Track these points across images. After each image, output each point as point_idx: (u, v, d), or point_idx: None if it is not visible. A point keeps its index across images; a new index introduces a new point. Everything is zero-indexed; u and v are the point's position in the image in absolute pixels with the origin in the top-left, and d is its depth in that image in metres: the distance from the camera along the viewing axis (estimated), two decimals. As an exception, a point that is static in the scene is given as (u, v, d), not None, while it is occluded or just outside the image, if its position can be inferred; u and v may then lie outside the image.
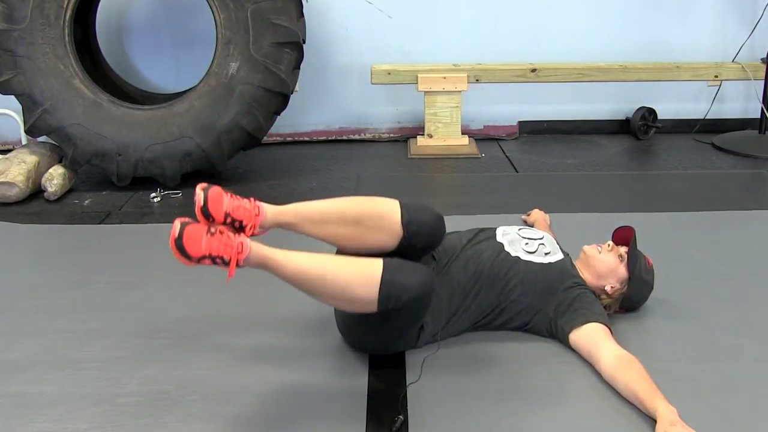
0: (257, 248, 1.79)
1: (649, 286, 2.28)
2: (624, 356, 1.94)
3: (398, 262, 1.84)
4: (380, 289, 1.76)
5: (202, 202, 1.80)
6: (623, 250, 2.25)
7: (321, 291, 1.80)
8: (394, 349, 2.07)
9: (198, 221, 1.79)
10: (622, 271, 2.22)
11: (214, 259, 1.74)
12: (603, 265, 2.22)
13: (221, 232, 1.75)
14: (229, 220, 1.82)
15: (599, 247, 2.26)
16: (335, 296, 1.81)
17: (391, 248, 1.90)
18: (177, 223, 1.74)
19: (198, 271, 2.65)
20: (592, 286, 2.22)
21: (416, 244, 1.94)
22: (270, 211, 1.91)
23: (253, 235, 1.87)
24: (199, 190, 1.82)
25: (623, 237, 2.31)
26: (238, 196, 1.89)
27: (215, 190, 1.83)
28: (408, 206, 1.92)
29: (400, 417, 1.81)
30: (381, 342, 2.03)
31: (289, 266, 1.79)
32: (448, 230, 2.28)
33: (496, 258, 2.15)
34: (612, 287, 2.21)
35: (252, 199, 1.91)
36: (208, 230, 1.74)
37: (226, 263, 1.75)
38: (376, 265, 1.79)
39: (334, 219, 1.90)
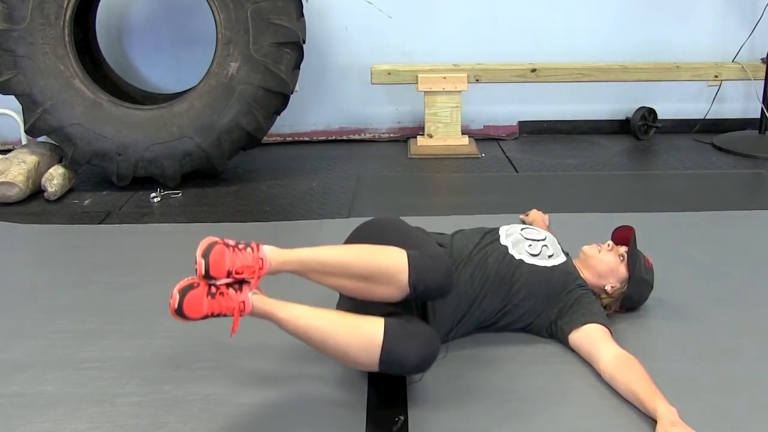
0: (259, 304, 1.78)
1: (649, 286, 2.28)
2: (624, 356, 1.94)
3: (400, 327, 1.78)
4: (381, 357, 1.75)
5: (204, 271, 1.73)
6: (623, 249, 2.25)
7: (322, 350, 1.80)
8: None
9: (190, 283, 1.75)
10: (622, 270, 2.22)
11: (216, 316, 1.75)
12: (603, 264, 2.22)
13: (222, 293, 1.74)
14: (231, 277, 1.78)
15: (599, 247, 2.26)
16: (337, 356, 1.80)
17: (397, 300, 1.85)
18: (176, 294, 1.71)
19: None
20: (591, 285, 2.22)
21: (423, 298, 1.92)
22: (274, 260, 1.82)
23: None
24: (200, 257, 1.74)
25: (623, 237, 2.30)
26: (242, 245, 1.80)
27: (216, 251, 1.75)
28: (416, 263, 1.80)
29: (401, 417, 1.81)
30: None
31: (290, 325, 1.79)
32: (450, 230, 2.30)
33: (501, 262, 2.14)
34: (612, 287, 2.21)
35: (254, 249, 1.81)
36: (209, 292, 1.73)
37: (229, 316, 1.76)
38: (378, 332, 1.75)
39: (339, 273, 1.84)
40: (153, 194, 3.56)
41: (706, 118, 4.64)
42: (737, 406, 1.87)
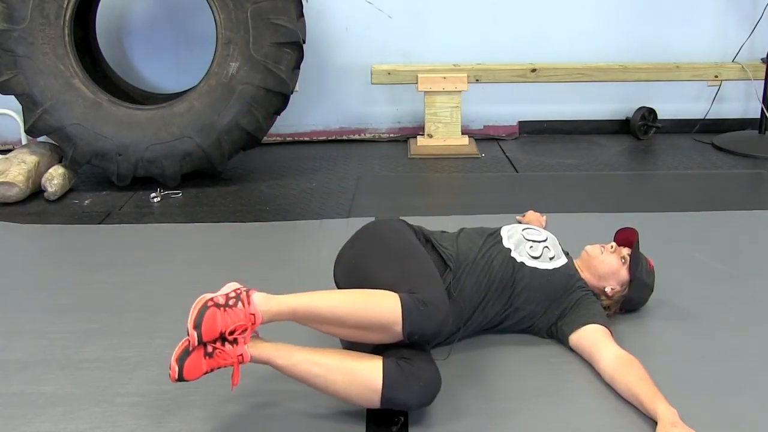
0: (257, 355, 1.76)
1: (650, 289, 2.28)
2: (624, 357, 1.94)
3: (399, 371, 1.75)
4: (381, 402, 1.75)
5: (197, 342, 1.68)
6: (626, 251, 2.24)
7: (324, 388, 1.79)
8: None
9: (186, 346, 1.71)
10: (624, 273, 2.22)
11: (215, 370, 1.74)
12: (605, 266, 2.21)
13: (219, 351, 1.72)
14: (224, 336, 1.73)
15: (602, 248, 2.25)
16: (337, 395, 1.79)
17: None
18: (174, 365, 1.67)
19: (198, 272, 2.66)
20: (592, 286, 2.22)
21: (417, 343, 1.85)
22: (266, 314, 1.77)
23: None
24: (192, 329, 1.67)
25: (625, 238, 2.30)
26: (232, 300, 1.74)
27: (208, 317, 1.68)
28: (411, 314, 1.76)
29: (401, 418, 1.81)
30: None
31: (288, 372, 1.78)
32: (450, 229, 2.30)
33: (505, 266, 2.13)
34: (612, 289, 2.21)
35: (245, 302, 1.75)
36: (206, 353, 1.71)
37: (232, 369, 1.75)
38: (376, 378, 1.74)
39: (332, 322, 1.81)
40: (153, 194, 3.56)
41: (706, 118, 4.64)
42: (737, 406, 1.87)
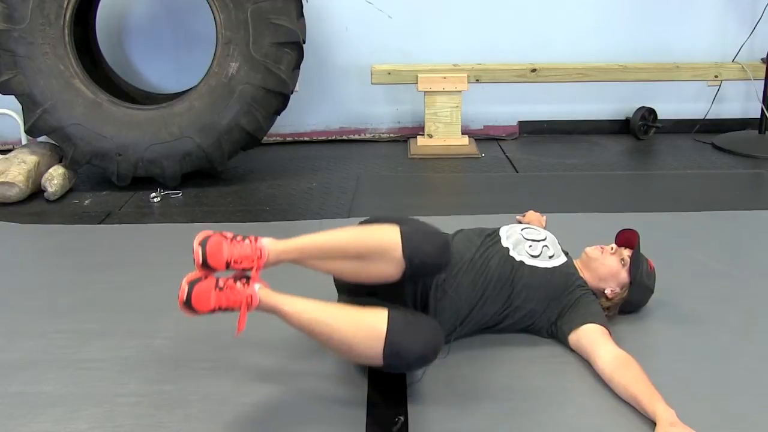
0: (266, 298, 1.80)
1: (650, 290, 2.28)
2: (622, 357, 1.94)
3: (404, 319, 1.80)
4: (384, 351, 1.75)
5: (201, 259, 1.76)
6: (626, 253, 2.23)
7: (327, 344, 1.82)
8: None
9: (198, 276, 1.77)
10: (624, 275, 2.21)
11: (223, 311, 1.76)
12: (605, 268, 2.21)
13: (229, 287, 1.75)
14: (230, 267, 1.80)
15: (602, 249, 2.24)
16: (341, 351, 1.83)
17: (396, 279, 1.85)
18: (184, 285, 1.72)
19: (198, 271, 2.66)
20: (591, 287, 2.21)
21: (420, 273, 1.90)
22: (272, 251, 1.85)
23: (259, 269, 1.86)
24: (197, 245, 1.77)
25: (627, 240, 2.29)
26: (239, 237, 1.83)
27: (213, 241, 1.78)
28: (410, 237, 1.82)
29: (401, 418, 1.81)
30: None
31: (295, 320, 1.81)
32: (450, 229, 2.29)
33: (503, 266, 2.13)
34: (612, 290, 2.21)
35: (252, 240, 1.85)
36: (216, 285, 1.74)
37: (236, 312, 1.77)
38: (381, 324, 1.76)
39: (336, 255, 1.86)
40: (153, 194, 3.56)
41: (706, 118, 4.64)
42: (737, 406, 1.87)
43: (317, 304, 1.83)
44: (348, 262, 1.85)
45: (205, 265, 1.77)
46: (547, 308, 2.14)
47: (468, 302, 2.09)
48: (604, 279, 2.21)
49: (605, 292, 2.21)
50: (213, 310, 1.74)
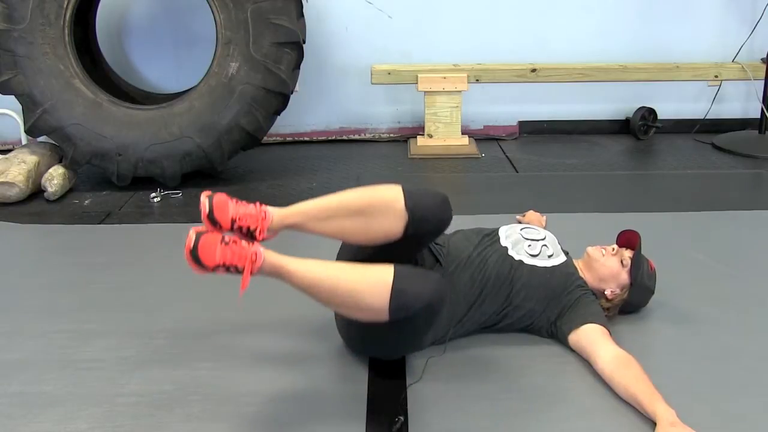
0: (270, 257, 1.78)
1: (651, 292, 2.27)
2: (622, 356, 1.94)
3: (409, 270, 1.81)
4: (391, 297, 1.73)
5: (207, 209, 1.80)
6: (627, 254, 2.22)
7: (332, 299, 1.80)
8: (396, 356, 2.07)
9: (206, 229, 1.78)
10: (624, 276, 2.21)
11: (228, 268, 1.74)
12: (605, 269, 2.21)
13: (235, 242, 1.75)
14: (236, 226, 1.83)
15: (603, 250, 2.24)
16: (346, 305, 1.80)
17: (398, 235, 1.88)
18: (192, 234, 1.73)
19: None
20: (592, 287, 2.21)
21: (423, 229, 1.92)
22: (276, 214, 1.90)
23: (263, 239, 1.87)
24: (204, 197, 1.83)
25: (628, 241, 2.29)
26: (244, 201, 1.88)
27: (220, 197, 1.84)
28: (411, 191, 1.89)
29: (401, 418, 1.81)
30: (383, 351, 2.03)
31: (300, 275, 1.79)
32: (449, 230, 2.29)
33: (502, 264, 2.14)
34: (612, 291, 2.20)
35: (257, 204, 1.90)
36: (222, 240, 1.74)
37: (240, 272, 1.75)
38: (387, 274, 1.76)
39: (339, 213, 1.90)
40: (153, 194, 3.56)
41: (706, 118, 4.64)
42: (737, 406, 1.87)
43: (322, 262, 1.83)
44: (351, 219, 1.88)
45: (211, 218, 1.80)
46: (546, 308, 2.14)
47: (466, 300, 2.09)
48: (605, 280, 2.21)
49: (605, 292, 2.20)
50: (217, 266, 1.72)
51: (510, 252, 2.16)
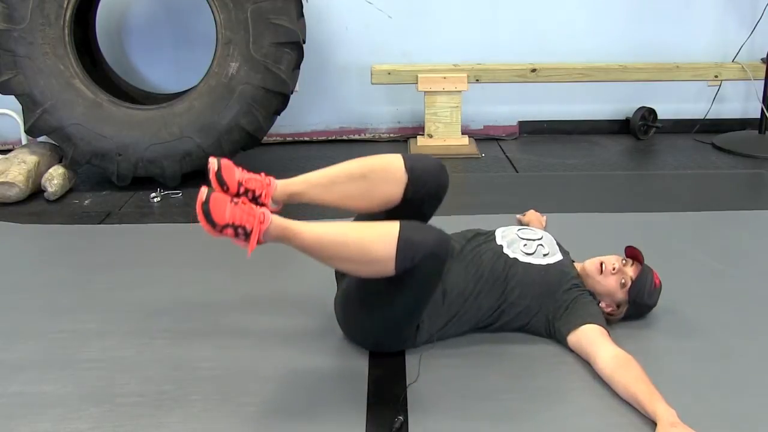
0: (277, 219, 1.82)
1: (649, 308, 2.25)
2: (622, 356, 1.94)
3: (414, 222, 1.87)
4: (398, 245, 1.76)
5: (216, 168, 1.91)
6: (630, 272, 2.17)
7: (340, 253, 1.83)
8: (393, 342, 2.06)
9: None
10: (620, 296, 2.17)
11: (236, 229, 1.77)
12: (601, 287, 2.18)
13: (244, 203, 1.81)
14: (242, 189, 1.93)
15: (602, 267, 2.17)
16: (353, 258, 1.82)
17: (399, 197, 1.98)
18: (203, 189, 1.78)
19: (198, 272, 2.66)
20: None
21: (422, 191, 2.01)
22: (280, 183, 2.01)
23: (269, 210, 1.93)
24: (212, 159, 1.95)
25: (635, 253, 2.23)
26: (248, 170, 2.00)
27: (226, 161, 1.96)
28: (410, 156, 2.03)
29: (400, 418, 1.81)
30: (384, 332, 2.03)
31: (308, 234, 1.82)
32: (448, 230, 2.29)
33: (497, 261, 2.14)
34: (607, 305, 2.19)
35: (262, 173, 2.02)
36: (232, 200, 1.80)
37: (248, 234, 1.78)
38: (394, 225, 1.81)
39: (341, 179, 1.99)
40: (153, 194, 3.56)
41: (706, 118, 4.64)
42: (737, 406, 1.87)
43: (329, 223, 1.90)
44: (353, 183, 1.98)
45: (219, 177, 1.90)
46: (542, 306, 2.13)
47: (461, 293, 2.10)
48: (600, 294, 2.19)
49: (600, 305, 2.18)
50: (227, 225, 1.76)
51: (505, 250, 2.17)
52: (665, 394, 1.80)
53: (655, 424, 1.75)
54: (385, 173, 1.98)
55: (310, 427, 1.81)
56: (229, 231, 1.77)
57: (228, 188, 1.91)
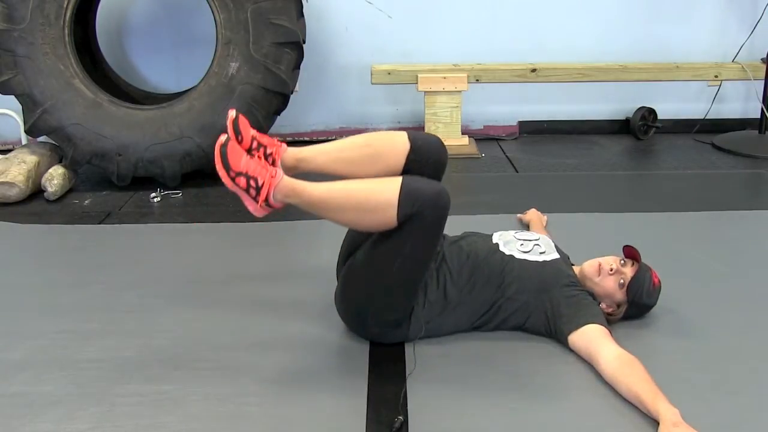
0: (287, 178, 1.94)
1: (649, 308, 2.25)
2: (624, 357, 1.93)
3: (416, 176, 1.98)
4: (400, 192, 1.86)
5: (234, 117, 1.99)
6: (629, 272, 2.17)
7: (344, 204, 1.93)
8: (390, 315, 2.07)
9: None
10: (620, 296, 2.18)
11: (249, 180, 1.88)
12: (600, 288, 2.18)
13: (259, 158, 1.96)
14: (255, 143, 2.02)
15: (600, 269, 2.18)
16: (359, 206, 1.92)
17: (401, 166, 2.09)
18: (222, 135, 1.90)
19: (198, 272, 2.66)
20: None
21: (423, 160, 2.11)
22: (290, 149, 2.11)
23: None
24: (231, 110, 2.03)
25: (632, 254, 2.23)
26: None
27: (242, 117, 2.04)
28: (412, 132, 2.17)
29: (400, 418, 1.81)
30: (381, 305, 2.05)
31: (314, 189, 1.92)
32: (449, 230, 2.30)
33: (492, 256, 2.17)
34: (607, 306, 2.19)
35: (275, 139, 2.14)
36: (248, 152, 1.95)
37: (258, 189, 1.89)
38: (396, 177, 1.93)
39: (346, 147, 2.13)
40: (153, 194, 3.56)
41: (706, 118, 4.65)
42: (737, 406, 1.87)
43: (337, 180, 1.98)
44: (359, 150, 2.11)
45: (236, 126, 1.99)
46: (540, 302, 2.14)
47: (454, 279, 2.13)
48: (599, 296, 2.19)
49: (600, 305, 2.18)
50: (240, 173, 1.88)
51: (501, 248, 2.20)
52: (665, 394, 1.80)
53: (658, 424, 1.74)
54: (389, 141, 2.11)
55: (310, 426, 1.81)
56: (242, 180, 1.88)
57: (242, 139, 1.99)
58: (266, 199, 1.91)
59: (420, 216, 1.87)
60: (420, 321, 2.09)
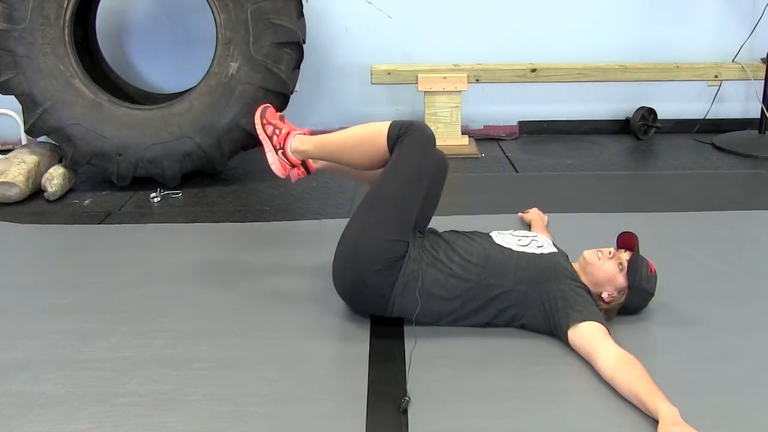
0: (300, 138, 2.39)
1: (650, 295, 2.26)
2: (624, 356, 1.93)
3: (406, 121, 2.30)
4: (390, 123, 2.26)
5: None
6: (625, 257, 2.22)
7: (345, 143, 2.38)
8: (381, 250, 2.14)
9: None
10: (621, 280, 2.19)
11: (274, 128, 2.40)
12: (601, 273, 2.19)
13: (285, 122, 2.45)
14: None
15: (599, 253, 2.22)
16: (356, 141, 2.36)
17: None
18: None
19: (198, 272, 2.66)
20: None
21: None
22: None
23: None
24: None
25: (626, 243, 2.28)
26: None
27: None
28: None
29: (407, 398, 1.84)
30: (370, 233, 2.16)
31: (317, 144, 2.39)
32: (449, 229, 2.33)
33: (490, 248, 2.22)
34: (609, 294, 2.20)
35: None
36: (280, 116, 2.46)
37: (279, 134, 2.39)
38: (387, 122, 2.29)
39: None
40: (153, 194, 3.56)
41: (706, 118, 4.65)
42: (737, 406, 1.87)
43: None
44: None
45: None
46: (538, 293, 2.14)
47: (451, 258, 2.19)
48: (601, 283, 2.20)
49: (602, 296, 2.20)
50: (269, 123, 2.42)
51: (499, 242, 2.25)
52: (665, 394, 1.80)
53: (658, 424, 1.74)
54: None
55: (311, 426, 1.81)
56: (269, 128, 2.41)
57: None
58: (283, 147, 2.37)
59: (408, 136, 2.21)
60: (407, 273, 2.15)
